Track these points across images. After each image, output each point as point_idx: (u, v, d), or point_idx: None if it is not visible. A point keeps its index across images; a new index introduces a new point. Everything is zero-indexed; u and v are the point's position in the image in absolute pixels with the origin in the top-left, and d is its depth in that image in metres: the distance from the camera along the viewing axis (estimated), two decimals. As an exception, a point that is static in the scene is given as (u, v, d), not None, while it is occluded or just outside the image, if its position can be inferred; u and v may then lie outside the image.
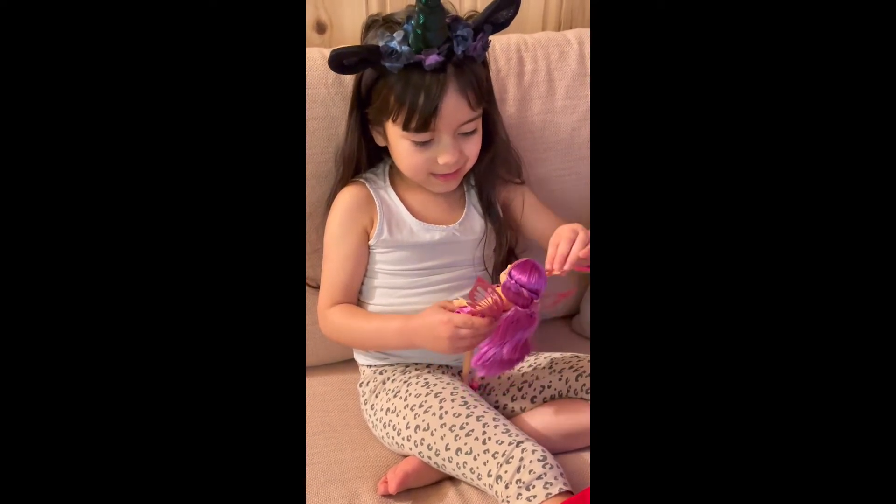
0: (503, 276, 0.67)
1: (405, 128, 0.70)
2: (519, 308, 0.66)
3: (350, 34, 0.92)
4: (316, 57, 0.83)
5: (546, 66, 0.90)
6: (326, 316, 0.77)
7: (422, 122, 0.69)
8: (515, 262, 0.67)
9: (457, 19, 0.68)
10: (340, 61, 0.67)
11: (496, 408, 0.76)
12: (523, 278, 0.65)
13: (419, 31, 0.64)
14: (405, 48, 0.66)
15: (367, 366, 0.82)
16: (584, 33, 0.93)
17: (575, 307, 1.00)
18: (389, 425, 0.75)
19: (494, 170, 0.80)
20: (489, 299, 0.66)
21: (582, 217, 0.94)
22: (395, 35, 0.66)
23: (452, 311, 0.67)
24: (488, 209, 0.80)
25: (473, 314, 0.66)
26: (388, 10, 0.89)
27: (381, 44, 0.66)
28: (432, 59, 0.66)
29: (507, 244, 0.82)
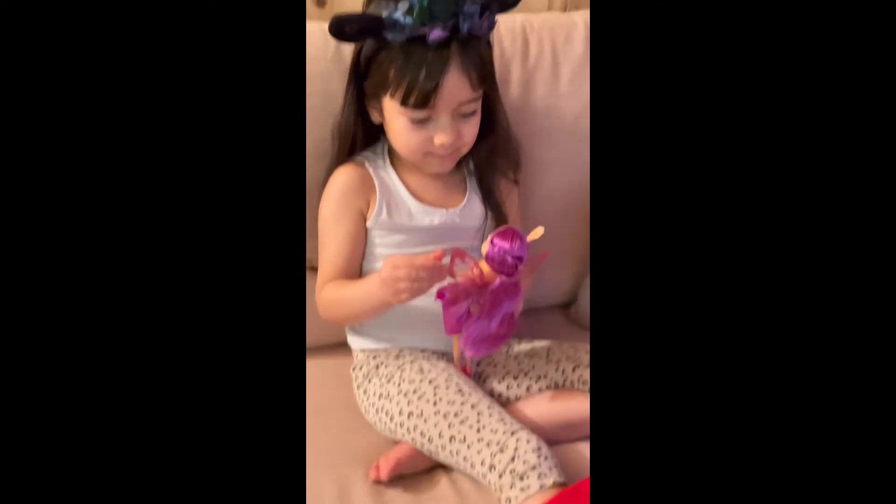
0: (485, 246, 0.65)
1: (403, 103, 0.68)
2: (504, 277, 0.64)
3: (350, 8, 0.90)
4: (315, 30, 0.80)
5: (551, 49, 0.88)
6: (321, 294, 0.75)
7: (421, 98, 0.67)
8: (496, 230, 0.65)
9: None
10: (341, 27, 0.65)
11: (491, 396, 0.74)
12: (506, 245, 0.63)
13: (425, 4, 0.62)
14: (409, 20, 0.64)
15: (361, 350, 0.81)
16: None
17: (573, 295, 0.98)
18: (382, 411, 0.74)
19: (494, 157, 0.78)
20: (472, 271, 0.65)
21: (582, 204, 0.93)
22: (399, 6, 0.64)
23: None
24: (489, 196, 0.78)
25: (457, 287, 0.65)
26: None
27: (384, 14, 0.64)
28: (436, 33, 0.64)
29: None
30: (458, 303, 0.65)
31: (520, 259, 0.64)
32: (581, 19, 0.90)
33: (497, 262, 0.64)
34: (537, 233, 0.65)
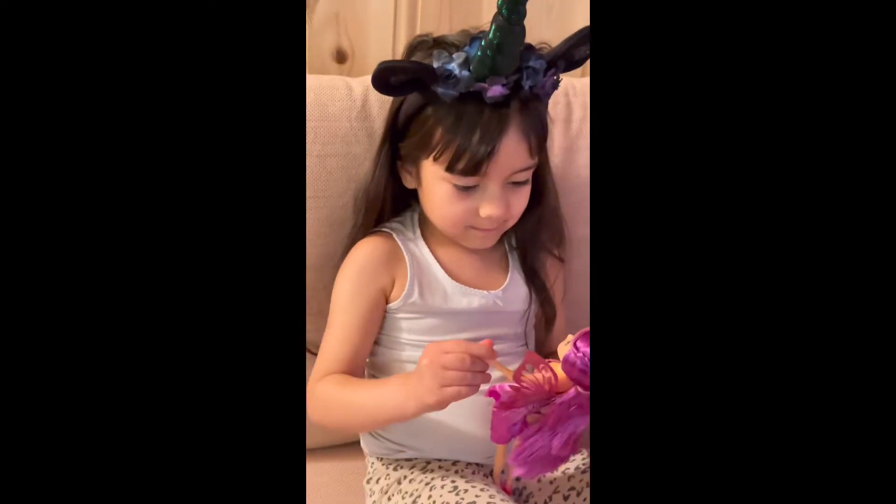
0: (563, 348, 0.54)
1: (450, 169, 0.58)
2: (580, 389, 0.52)
3: (374, 64, 0.83)
4: (339, 86, 0.72)
5: (596, 115, 0.80)
6: (315, 390, 0.61)
7: (473, 164, 0.57)
8: (579, 333, 0.54)
9: (530, 48, 0.57)
10: (387, 78, 0.55)
11: (537, 520, 0.61)
12: (587, 349, 0.52)
13: (489, 53, 0.53)
14: (465, 73, 0.54)
15: (378, 458, 0.67)
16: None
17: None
18: (406, 538, 0.60)
19: (539, 233, 0.68)
20: (539, 375, 0.53)
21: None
22: (454, 56, 0.55)
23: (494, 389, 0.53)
24: (533, 277, 0.68)
25: (519, 392, 0.53)
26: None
27: (436, 65, 0.55)
28: (496, 89, 0.55)
29: (551, 321, 0.70)
30: (514, 408, 0.53)
31: None
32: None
33: (578, 370, 0.52)
34: None
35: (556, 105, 0.80)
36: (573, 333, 0.54)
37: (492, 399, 0.53)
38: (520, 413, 0.53)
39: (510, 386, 0.53)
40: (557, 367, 0.53)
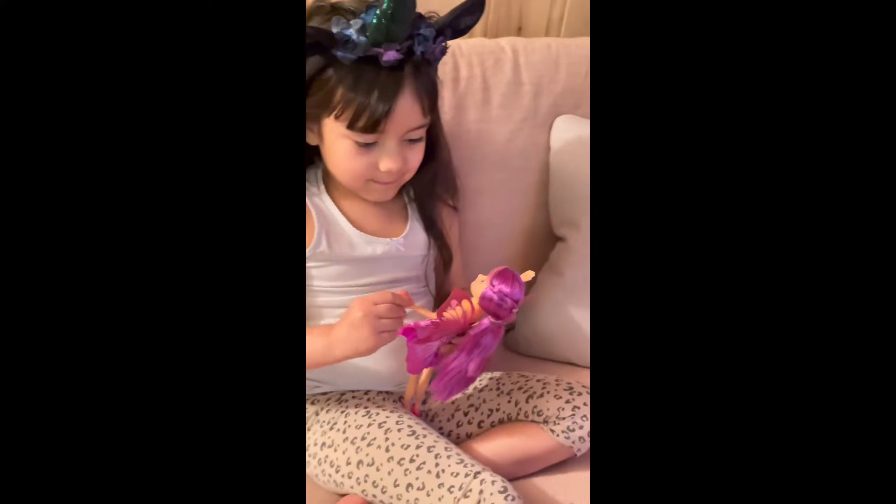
0: (478, 286, 0.62)
1: (351, 126, 0.63)
2: (493, 319, 0.61)
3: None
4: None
5: (481, 74, 0.87)
6: None
7: (372, 122, 0.62)
8: (494, 271, 0.62)
9: (421, 17, 0.63)
10: None
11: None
12: (507, 288, 0.60)
13: (384, 22, 0.58)
14: (362, 39, 0.59)
15: (296, 395, 0.73)
16: (518, 42, 0.91)
17: (509, 323, 0.97)
18: (326, 461, 0.67)
19: (435, 185, 0.75)
20: (458, 310, 0.61)
21: (514, 230, 0.92)
22: (352, 23, 0.59)
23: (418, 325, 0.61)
24: (430, 225, 0.75)
25: (438, 327, 0.61)
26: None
27: (335, 30, 0.59)
28: (391, 54, 0.60)
29: (448, 264, 0.77)
30: (429, 341, 0.61)
31: (517, 302, 0.61)
32: (508, 45, 0.90)
33: (495, 304, 0.60)
34: (528, 275, 0.63)
35: (444, 65, 0.85)
36: (483, 274, 0.63)
37: (401, 336, 0.61)
38: (433, 347, 0.61)
39: (429, 322, 0.60)
40: (467, 304, 0.61)
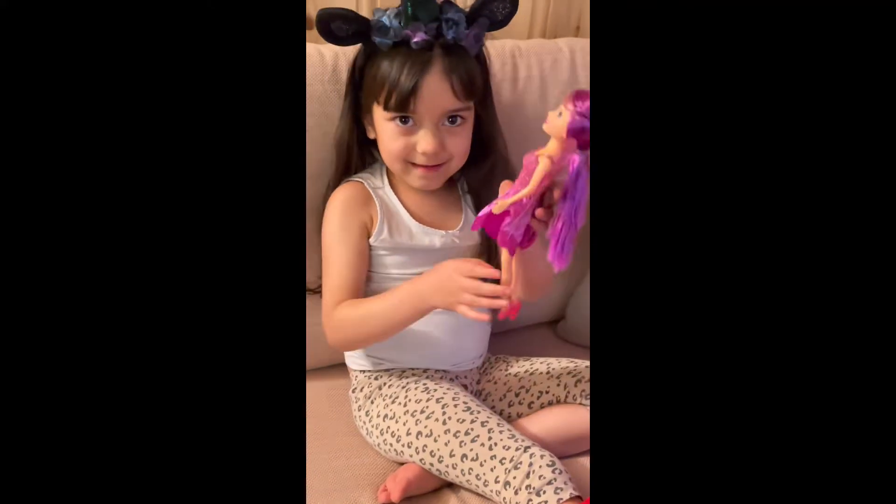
0: (554, 122, 0.53)
1: (386, 106, 0.68)
2: (583, 151, 0.53)
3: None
4: (311, 53, 0.81)
5: (539, 74, 0.91)
6: (332, 316, 0.71)
7: (400, 99, 0.67)
8: (569, 94, 0.53)
9: (450, 3, 0.68)
10: (327, 26, 0.66)
11: (494, 413, 0.75)
12: (586, 104, 0.51)
13: (408, 5, 0.64)
14: (395, 23, 0.65)
15: (361, 371, 0.80)
16: (575, 42, 0.95)
17: (560, 313, 1.00)
18: (388, 432, 0.73)
19: (492, 179, 0.79)
20: (541, 162, 0.54)
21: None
22: (388, 11, 0.66)
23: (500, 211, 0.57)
24: None
25: (529, 196, 0.55)
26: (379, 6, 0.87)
27: (373, 18, 0.65)
28: (419, 36, 0.66)
29: (495, 255, 0.82)
30: (524, 211, 0.56)
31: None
32: (566, 45, 0.94)
33: (579, 129, 0.52)
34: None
35: (503, 65, 0.89)
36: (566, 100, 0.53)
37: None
38: (525, 222, 0.58)
39: (514, 194, 0.56)
40: (544, 153, 0.55)
